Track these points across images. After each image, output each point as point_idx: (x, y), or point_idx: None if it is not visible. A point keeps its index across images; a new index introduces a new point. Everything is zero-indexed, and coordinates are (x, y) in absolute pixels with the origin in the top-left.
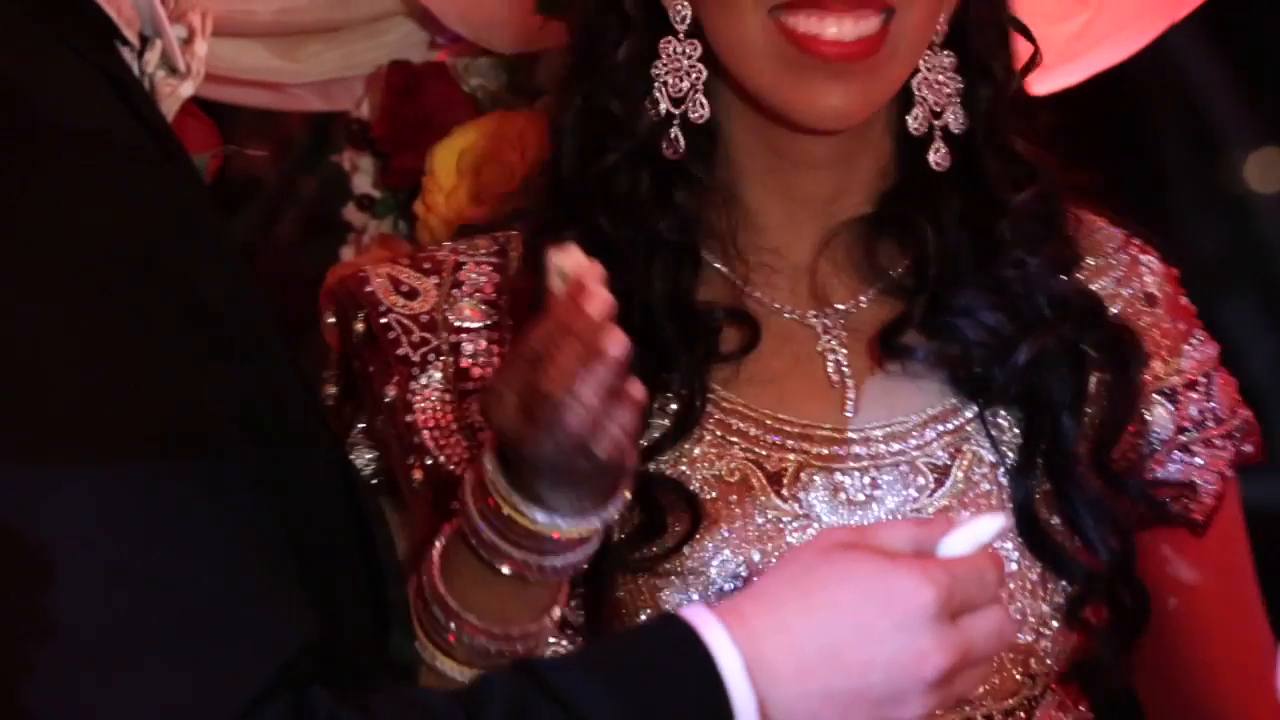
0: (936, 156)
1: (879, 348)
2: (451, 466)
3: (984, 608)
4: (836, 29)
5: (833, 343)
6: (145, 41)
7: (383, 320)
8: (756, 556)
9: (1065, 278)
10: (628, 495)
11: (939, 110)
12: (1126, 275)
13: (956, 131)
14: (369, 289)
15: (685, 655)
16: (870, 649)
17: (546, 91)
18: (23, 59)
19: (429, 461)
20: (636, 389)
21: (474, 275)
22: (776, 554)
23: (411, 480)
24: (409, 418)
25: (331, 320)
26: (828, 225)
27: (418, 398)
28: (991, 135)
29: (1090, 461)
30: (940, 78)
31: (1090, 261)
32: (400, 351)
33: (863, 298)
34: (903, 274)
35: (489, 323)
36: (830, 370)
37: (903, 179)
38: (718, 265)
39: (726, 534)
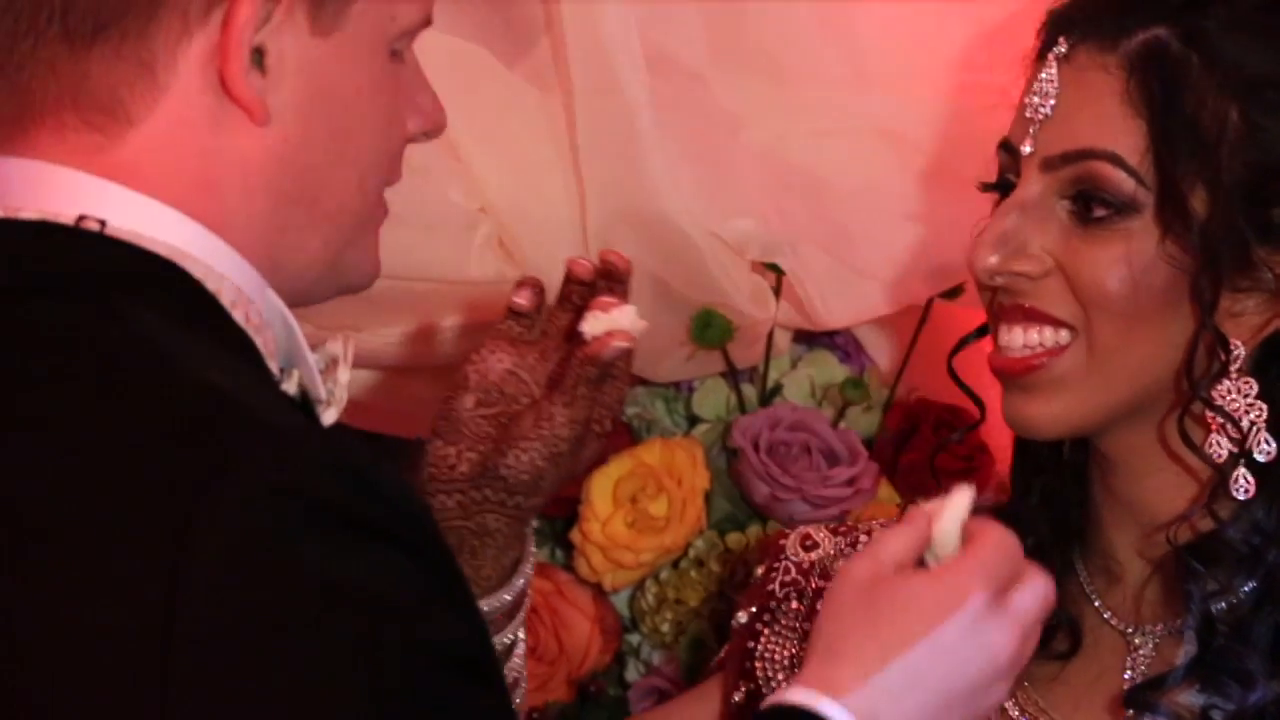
0: (1236, 488)
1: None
2: None
3: (1024, 578)
4: (1007, 339)
5: (1140, 664)
6: (282, 372)
7: (775, 564)
8: None
9: None
10: None
11: (1238, 439)
12: None
13: (1263, 460)
14: (783, 541)
15: None
16: (946, 662)
17: (702, 419)
18: (232, 378)
19: (752, 687)
20: None
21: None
22: None
23: (732, 696)
24: (750, 643)
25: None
26: (1162, 540)
27: (765, 629)
28: None
29: None
30: (1238, 404)
31: None
32: (770, 587)
33: (1179, 622)
34: (1203, 615)
35: None
36: (1125, 687)
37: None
38: (1076, 563)
39: None
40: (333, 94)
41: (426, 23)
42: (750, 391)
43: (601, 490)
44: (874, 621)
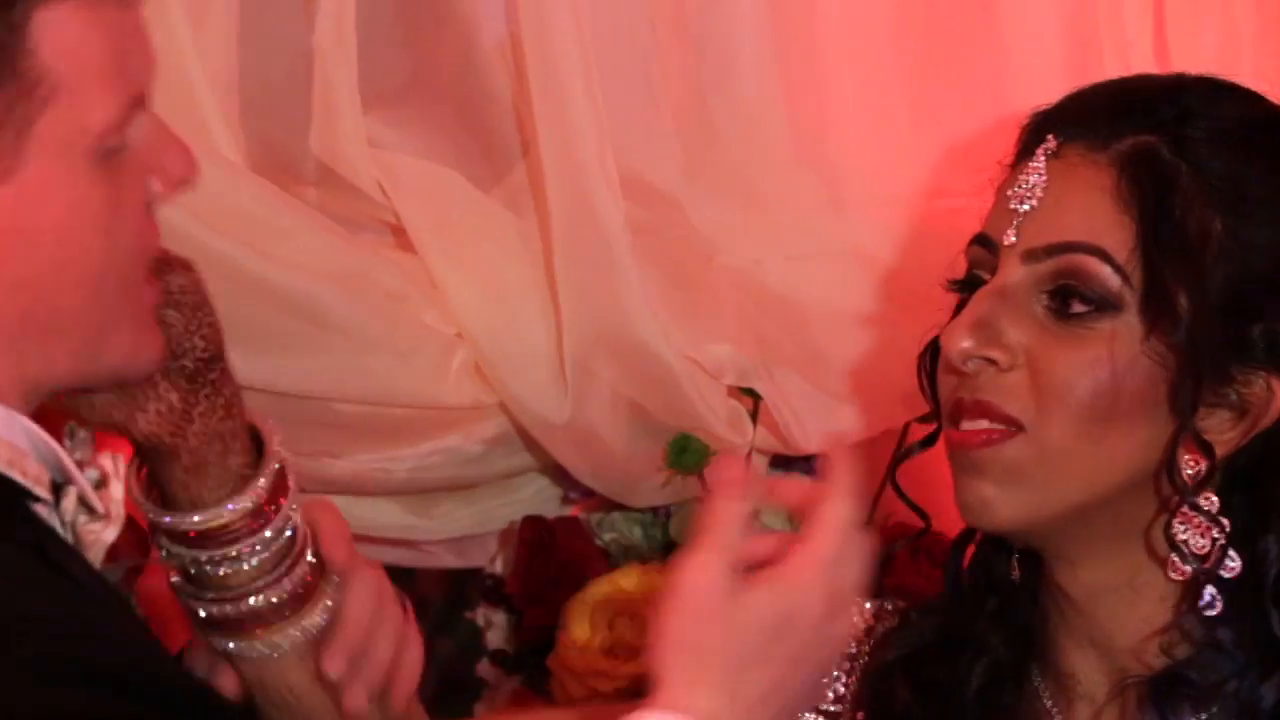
0: (1204, 606)
1: None
2: None
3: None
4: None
5: None
6: (60, 489)
7: None
8: None
9: None
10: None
11: (1202, 555)
12: None
13: (1228, 576)
14: None
15: None
16: (796, 664)
17: (679, 544)
18: None
19: None
20: None
21: None
22: None
23: None
24: None
25: None
26: (1123, 665)
27: None
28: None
29: None
30: (1199, 520)
31: None
32: None
33: None
34: None
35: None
36: None
37: (1198, 637)
38: (1036, 680)
39: None
40: (28, 236)
41: (133, 105)
42: None
43: (579, 616)
44: (725, 636)
